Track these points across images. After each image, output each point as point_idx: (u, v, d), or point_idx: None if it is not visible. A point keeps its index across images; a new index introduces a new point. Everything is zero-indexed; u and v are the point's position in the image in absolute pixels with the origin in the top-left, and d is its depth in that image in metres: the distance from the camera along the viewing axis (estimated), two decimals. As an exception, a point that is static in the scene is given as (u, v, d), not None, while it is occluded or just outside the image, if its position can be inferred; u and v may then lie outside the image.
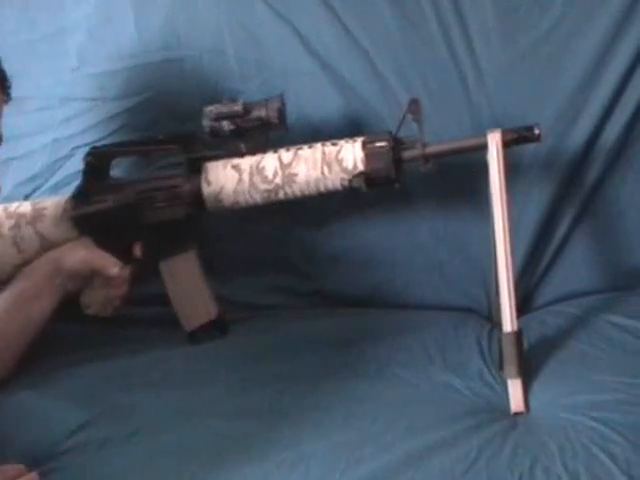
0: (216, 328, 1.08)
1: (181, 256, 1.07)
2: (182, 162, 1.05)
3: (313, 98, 1.13)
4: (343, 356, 0.99)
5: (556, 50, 1.09)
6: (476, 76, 1.10)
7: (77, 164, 1.13)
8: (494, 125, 0.98)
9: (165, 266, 1.07)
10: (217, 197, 1.03)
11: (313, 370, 0.96)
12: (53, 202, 1.08)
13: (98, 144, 1.13)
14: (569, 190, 1.11)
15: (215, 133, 1.02)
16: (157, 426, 0.89)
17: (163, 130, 1.12)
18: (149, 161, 1.14)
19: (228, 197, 1.03)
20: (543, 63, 1.10)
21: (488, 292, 1.11)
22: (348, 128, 1.09)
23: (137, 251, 1.07)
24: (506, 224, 0.93)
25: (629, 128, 1.09)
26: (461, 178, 1.10)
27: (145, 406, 0.92)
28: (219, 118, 1.01)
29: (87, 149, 1.09)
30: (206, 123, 1.02)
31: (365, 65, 1.12)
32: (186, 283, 1.07)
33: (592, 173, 1.10)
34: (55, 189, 1.19)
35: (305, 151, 1.02)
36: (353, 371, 0.95)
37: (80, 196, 1.06)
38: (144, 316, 1.14)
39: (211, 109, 1.02)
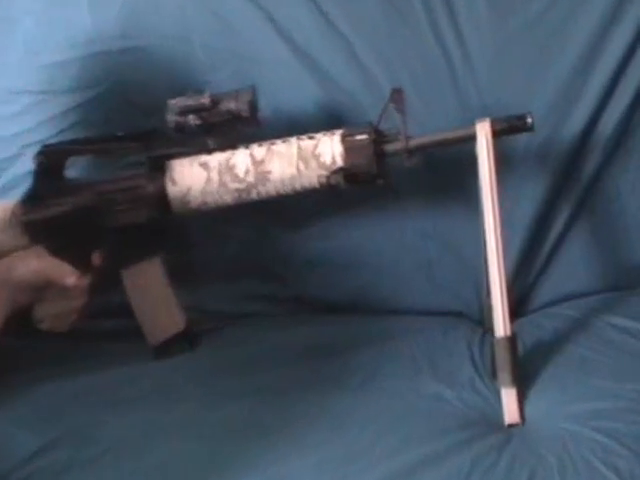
0: (184, 341, 1.10)
1: (145, 263, 1.09)
2: (144, 160, 1.07)
3: (289, 90, 1.14)
4: (326, 367, 1.01)
5: (550, 33, 1.12)
6: (465, 63, 1.13)
7: (27, 164, 1.13)
8: (485, 115, 1.00)
9: (127, 274, 1.09)
10: (183, 198, 1.05)
11: (294, 382, 0.98)
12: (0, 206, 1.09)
13: (50, 142, 1.13)
14: (565, 184, 1.14)
15: (180, 128, 1.03)
16: (126, 448, 0.90)
17: (122, 126, 1.12)
18: (108, 160, 1.15)
19: (195, 198, 1.05)
20: (536, 47, 1.13)
21: (480, 294, 1.13)
22: (327, 123, 1.09)
23: (96, 259, 1.09)
24: (497, 221, 0.96)
25: (628, 116, 1.13)
26: (450, 173, 1.12)
27: (112, 426, 0.93)
28: (184, 112, 1.02)
29: (38, 147, 1.09)
30: (170, 117, 1.03)
31: (346, 53, 1.14)
32: (151, 293, 1.10)
33: (590, 165, 1.14)
34: (2, 192, 1.20)
35: (279, 146, 1.03)
36: (337, 383, 0.98)
37: (31, 199, 1.08)
38: (106, 329, 1.16)
39: (175, 102, 1.03)
